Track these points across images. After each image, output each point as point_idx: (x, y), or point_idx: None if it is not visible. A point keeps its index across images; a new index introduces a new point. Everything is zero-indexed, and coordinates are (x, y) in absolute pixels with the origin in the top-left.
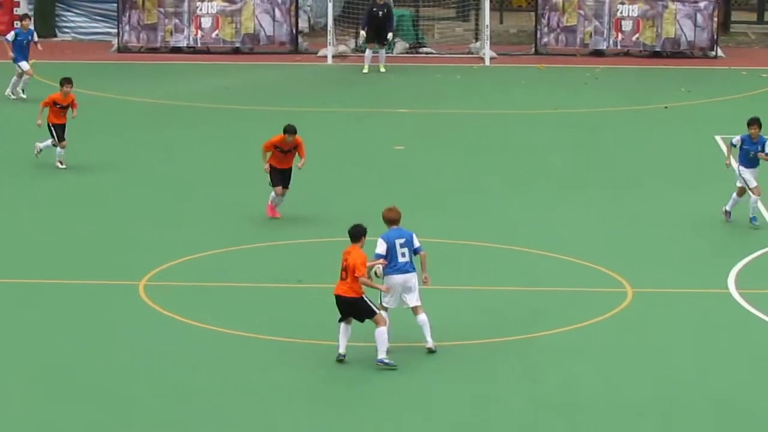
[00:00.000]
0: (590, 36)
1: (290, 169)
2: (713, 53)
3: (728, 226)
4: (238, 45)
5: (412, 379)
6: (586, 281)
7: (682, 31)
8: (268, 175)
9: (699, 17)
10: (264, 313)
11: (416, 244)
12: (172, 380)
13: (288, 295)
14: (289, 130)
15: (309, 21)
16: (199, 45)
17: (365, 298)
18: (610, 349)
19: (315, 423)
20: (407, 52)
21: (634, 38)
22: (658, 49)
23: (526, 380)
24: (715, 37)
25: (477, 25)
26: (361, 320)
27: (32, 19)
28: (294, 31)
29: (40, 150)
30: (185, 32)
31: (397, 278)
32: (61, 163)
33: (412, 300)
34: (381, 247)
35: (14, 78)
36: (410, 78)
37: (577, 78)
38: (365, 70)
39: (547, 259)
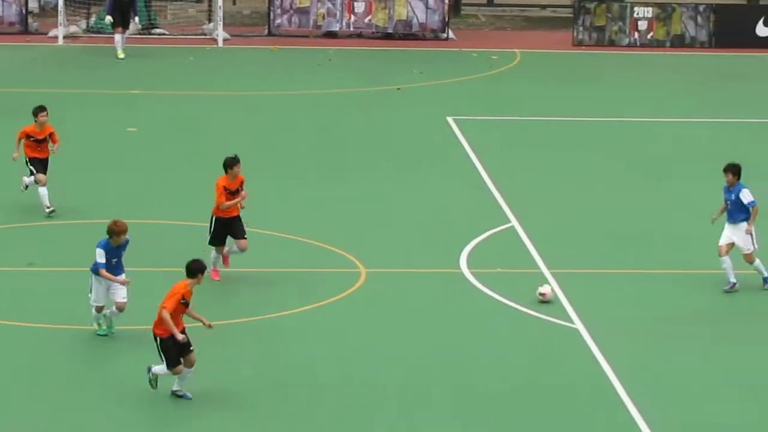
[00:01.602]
0: (323, 17)
1: (239, 217)
2: (445, 35)
3: (458, 206)
4: None
5: (145, 362)
6: (320, 262)
7: (414, 13)
8: (210, 230)
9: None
10: None
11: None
12: None
13: (18, 278)
14: (235, 159)
15: (39, 1)
16: None
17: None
18: (345, 328)
19: (46, 406)
20: (140, 34)
21: (366, 20)
22: (390, 30)
23: (264, 361)
24: (447, 19)
25: (210, 6)
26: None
27: None
28: (24, 11)
29: (27, 186)
30: None
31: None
32: (48, 207)
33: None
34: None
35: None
36: (143, 59)
37: (311, 59)
38: (121, 56)
39: (281, 239)
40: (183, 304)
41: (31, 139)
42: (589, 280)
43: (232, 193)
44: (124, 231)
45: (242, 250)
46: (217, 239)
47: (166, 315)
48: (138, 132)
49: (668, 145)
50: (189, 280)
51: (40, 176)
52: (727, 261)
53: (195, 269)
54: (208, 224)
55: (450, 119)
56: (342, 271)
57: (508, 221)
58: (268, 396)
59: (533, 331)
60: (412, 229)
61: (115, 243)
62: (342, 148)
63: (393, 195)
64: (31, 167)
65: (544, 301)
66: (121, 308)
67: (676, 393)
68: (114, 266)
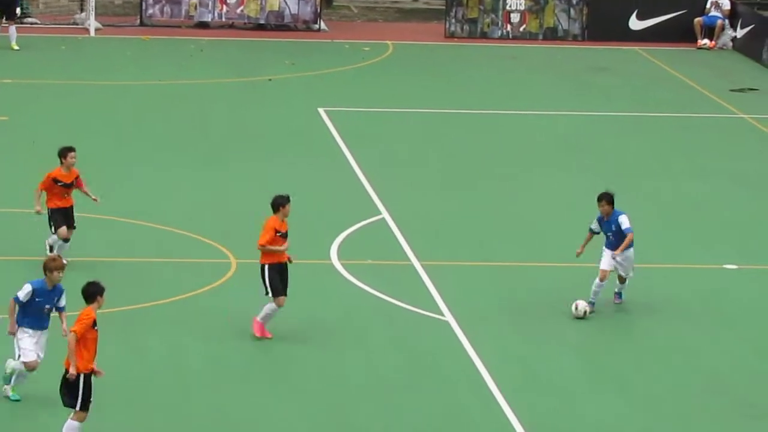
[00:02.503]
0: (195, 8)
1: (287, 267)
2: (317, 26)
3: (329, 197)
4: None
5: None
6: (190, 252)
7: (286, 4)
8: (266, 281)
9: None
10: None
11: (62, 302)
12: None
13: None
14: (286, 198)
15: None
16: None
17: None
18: (215, 319)
19: None
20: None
21: (238, 11)
22: (262, 21)
23: (132, 352)
24: (319, 10)
25: None
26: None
27: None
28: None
29: (51, 247)
30: None
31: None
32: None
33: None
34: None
35: None
36: (14, 48)
37: (182, 50)
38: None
39: (150, 229)
40: (96, 330)
41: (60, 184)
42: (459, 273)
43: (283, 235)
44: (62, 267)
45: (279, 306)
46: (278, 290)
47: (72, 338)
48: (8, 121)
49: (538, 139)
50: (91, 306)
51: (62, 230)
52: (602, 286)
53: (93, 293)
54: (260, 275)
55: (321, 110)
56: (212, 262)
57: (379, 213)
58: (136, 387)
59: (404, 323)
60: None
61: (51, 282)
62: (213, 138)
63: (264, 185)
64: (54, 220)
65: (578, 317)
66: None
67: (548, 387)
68: (44, 316)
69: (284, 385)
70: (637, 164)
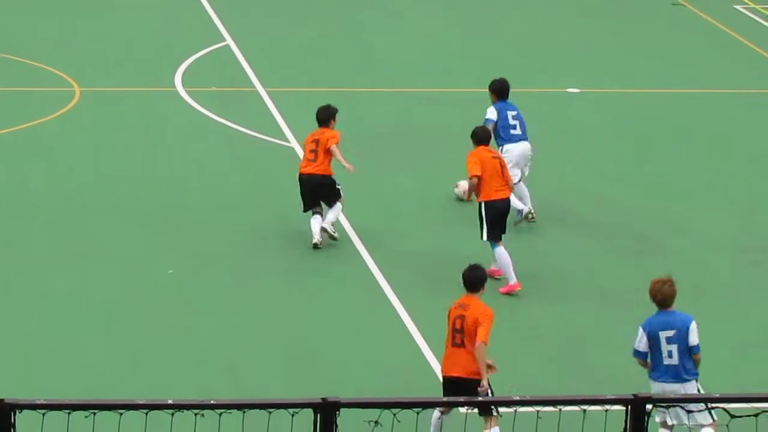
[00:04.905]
0: None
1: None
2: None
3: (172, 25)
4: None
5: None
6: (32, 80)
7: None
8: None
9: None
10: None
11: (693, 340)
12: None
13: None
14: None
15: None
16: None
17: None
18: (60, 148)
19: None
20: None
21: None
22: None
23: None
24: None
25: None
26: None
27: None
28: None
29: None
30: None
31: (666, 387)
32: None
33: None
34: (641, 342)
35: None
36: None
37: None
38: None
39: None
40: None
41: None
42: (303, 99)
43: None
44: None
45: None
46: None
47: (483, 350)
48: None
49: None
50: (475, 296)
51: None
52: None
53: (482, 279)
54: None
55: None
56: (55, 90)
57: (223, 39)
58: None
59: (250, 149)
60: (127, 48)
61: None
62: None
63: (105, 13)
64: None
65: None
66: None
67: (393, 214)
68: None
69: (127, 212)
70: None
